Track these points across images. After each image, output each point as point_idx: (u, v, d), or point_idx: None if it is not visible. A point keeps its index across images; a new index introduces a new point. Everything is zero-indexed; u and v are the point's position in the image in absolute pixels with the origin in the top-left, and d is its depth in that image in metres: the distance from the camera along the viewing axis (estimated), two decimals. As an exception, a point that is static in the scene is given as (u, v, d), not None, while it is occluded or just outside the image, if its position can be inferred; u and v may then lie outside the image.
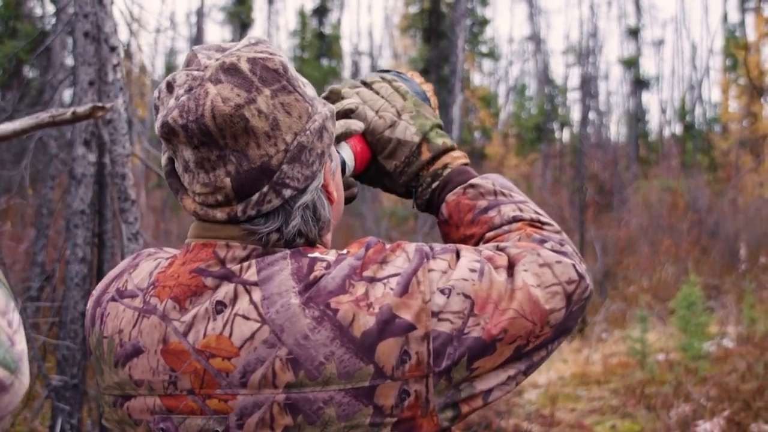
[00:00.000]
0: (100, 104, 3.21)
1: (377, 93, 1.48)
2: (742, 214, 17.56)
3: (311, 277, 1.10)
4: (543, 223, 1.34)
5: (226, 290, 1.11)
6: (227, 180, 1.10)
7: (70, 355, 5.19)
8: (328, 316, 1.07)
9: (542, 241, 1.27)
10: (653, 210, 18.59)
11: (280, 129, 1.10)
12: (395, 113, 1.44)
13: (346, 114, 1.44)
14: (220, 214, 1.13)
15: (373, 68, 33.96)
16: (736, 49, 25.45)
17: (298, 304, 1.08)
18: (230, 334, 1.08)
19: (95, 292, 1.24)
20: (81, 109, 3.17)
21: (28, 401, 5.71)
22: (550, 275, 1.20)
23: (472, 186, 1.39)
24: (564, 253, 1.25)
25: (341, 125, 1.37)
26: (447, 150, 1.45)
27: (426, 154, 1.43)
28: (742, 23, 29.07)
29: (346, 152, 1.40)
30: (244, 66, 1.10)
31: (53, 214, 8.35)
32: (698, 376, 7.53)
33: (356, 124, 1.39)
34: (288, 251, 1.14)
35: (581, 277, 1.23)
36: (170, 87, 1.13)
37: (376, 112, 1.45)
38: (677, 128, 31.48)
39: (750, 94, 24.54)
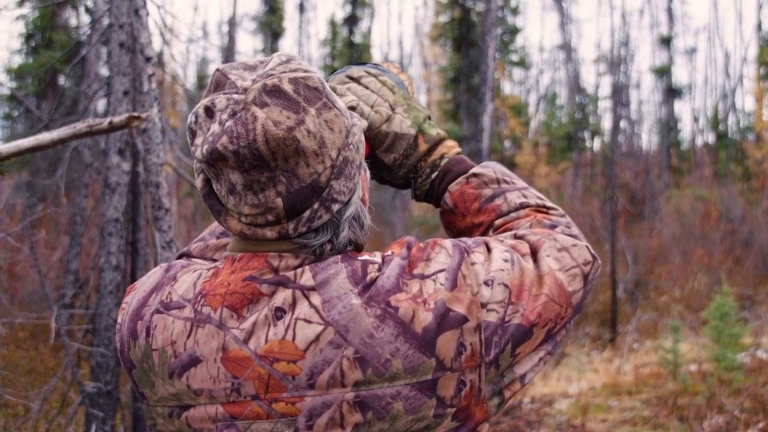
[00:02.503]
0: (136, 114, 3.25)
1: (367, 88, 1.50)
2: (776, 224, 17.30)
3: (368, 278, 1.14)
4: (548, 208, 1.40)
5: (283, 296, 1.13)
6: (278, 200, 1.12)
7: (104, 362, 5.25)
8: (390, 314, 1.11)
9: (553, 226, 1.34)
10: (685, 219, 18.42)
11: (326, 146, 1.13)
12: (389, 107, 1.48)
13: None
14: (270, 232, 1.15)
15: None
16: (770, 57, 25.12)
17: (360, 304, 1.11)
18: (293, 338, 1.11)
19: (129, 307, 1.24)
20: (117, 119, 3.22)
21: (62, 407, 5.78)
22: (569, 259, 1.27)
23: (475, 175, 1.45)
24: (575, 236, 1.32)
25: None
26: (441, 140, 1.50)
27: (423, 146, 1.48)
28: (777, 31, 28.67)
29: None
30: (288, 87, 1.11)
31: (87, 222, 8.46)
32: (732, 388, 7.43)
33: (360, 122, 1.43)
34: (338, 256, 1.18)
35: (594, 257, 1.31)
36: (210, 111, 1.12)
37: (371, 107, 1.47)
38: (710, 137, 31.11)
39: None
